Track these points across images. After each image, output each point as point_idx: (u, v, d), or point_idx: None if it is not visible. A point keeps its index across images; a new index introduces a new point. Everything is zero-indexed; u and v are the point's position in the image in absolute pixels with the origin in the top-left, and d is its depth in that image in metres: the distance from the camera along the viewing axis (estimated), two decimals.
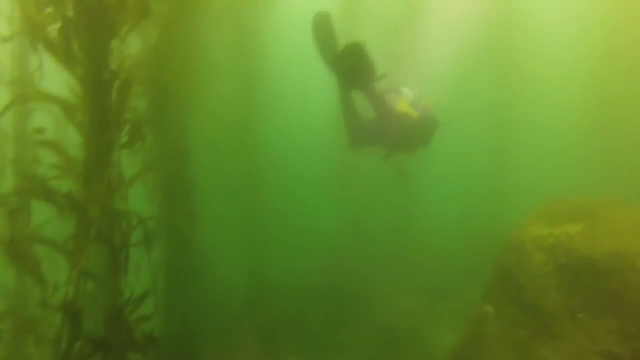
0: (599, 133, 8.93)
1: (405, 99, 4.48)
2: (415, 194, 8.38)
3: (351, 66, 3.89)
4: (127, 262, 2.80)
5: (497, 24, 8.84)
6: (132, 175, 4.78)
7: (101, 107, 2.33)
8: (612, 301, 2.27)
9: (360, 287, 7.95)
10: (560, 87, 10.08)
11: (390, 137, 4.46)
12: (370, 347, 6.53)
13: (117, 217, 2.71)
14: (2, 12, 3.72)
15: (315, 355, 6.53)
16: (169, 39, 5.03)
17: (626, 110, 8.71)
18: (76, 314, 2.37)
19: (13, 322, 3.74)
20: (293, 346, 6.69)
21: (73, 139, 2.94)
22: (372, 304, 7.49)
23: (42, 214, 3.01)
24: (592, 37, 9.48)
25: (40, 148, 2.83)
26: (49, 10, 2.42)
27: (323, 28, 4.02)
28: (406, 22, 8.66)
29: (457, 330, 6.14)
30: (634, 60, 8.82)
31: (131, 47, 5.06)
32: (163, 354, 3.73)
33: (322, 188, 9.47)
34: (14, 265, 2.68)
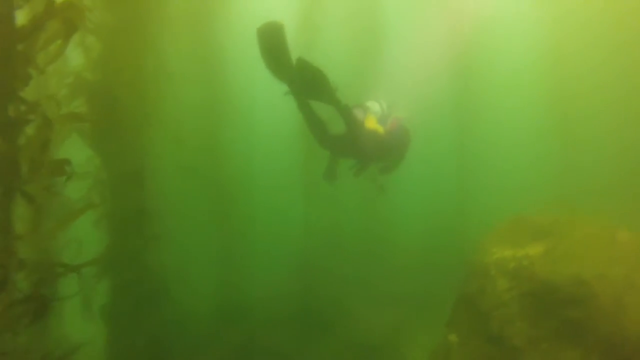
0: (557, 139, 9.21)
1: (372, 116, 4.32)
2: (386, 201, 8.29)
3: (304, 79, 3.74)
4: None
5: (457, 34, 8.95)
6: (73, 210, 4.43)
7: (11, 151, 1.97)
8: (576, 330, 2.20)
9: (331, 302, 7.77)
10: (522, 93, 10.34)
11: (360, 151, 4.33)
12: None
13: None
14: None
15: None
16: (118, 51, 4.67)
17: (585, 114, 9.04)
18: None
19: None
20: None
21: None
22: (345, 318, 7.32)
23: None
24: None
25: None
26: None
27: (274, 39, 3.67)
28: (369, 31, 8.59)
29: (429, 347, 6.15)
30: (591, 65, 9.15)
31: (69, 64, 4.74)
32: None
33: (290, 198, 9.23)
34: None
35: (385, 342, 6.37)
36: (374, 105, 4.52)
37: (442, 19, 8.88)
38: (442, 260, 8.24)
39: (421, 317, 7.08)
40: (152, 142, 5.12)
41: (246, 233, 8.64)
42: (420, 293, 7.66)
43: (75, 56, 4.67)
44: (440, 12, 8.94)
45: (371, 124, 4.25)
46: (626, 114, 8.65)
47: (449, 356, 2.69)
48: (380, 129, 4.26)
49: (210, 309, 7.62)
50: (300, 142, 8.25)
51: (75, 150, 4.59)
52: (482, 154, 9.23)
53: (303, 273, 8.28)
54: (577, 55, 9.54)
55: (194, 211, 7.74)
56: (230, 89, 8.48)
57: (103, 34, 4.56)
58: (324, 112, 4.30)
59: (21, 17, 2.50)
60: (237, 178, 8.37)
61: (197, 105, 7.91)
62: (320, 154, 8.51)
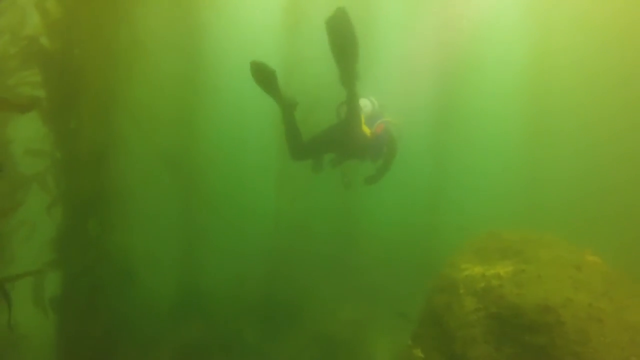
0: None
1: (361, 115, 4.25)
2: (357, 197, 8.26)
3: (340, 36, 3.55)
4: None
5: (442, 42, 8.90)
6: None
7: None
8: (539, 357, 2.18)
9: (299, 294, 7.70)
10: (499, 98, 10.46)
11: (343, 146, 4.35)
12: (307, 358, 6.34)
13: None
14: None
15: None
16: (83, 16, 4.25)
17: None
18: None
19: None
20: (222, 358, 6.31)
21: None
22: (311, 313, 7.28)
23: None
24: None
25: None
26: None
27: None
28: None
29: (396, 341, 6.22)
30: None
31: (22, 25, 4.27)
32: None
33: (259, 191, 9.04)
34: None
35: (351, 337, 6.39)
36: (365, 103, 4.48)
37: (434, 22, 8.82)
38: (411, 253, 8.37)
39: (388, 312, 7.17)
40: (117, 123, 4.78)
41: (212, 220, 8.42)
42: (389, 285, 7.76)
43: (30, 17, 4.25)
44: (433, 15, 8.87)
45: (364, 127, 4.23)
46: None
47: None
48: (367, 130, 4.25)
49: (173, 297, 7.41)
50: (272, 130, 8.07)
51: (30, 124, 4.22)
52: (458, 153, 9.33)
53: (270, 262, 8.18)
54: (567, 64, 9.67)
55: (160, 196, 7.44)
56: (206, 72, 8.13)
57: None
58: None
59: None
60: (206, 164, 8.10)
61: (171, 85, 7.54)
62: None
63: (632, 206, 7.40)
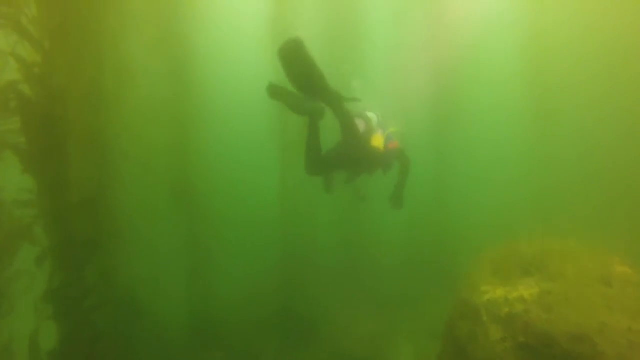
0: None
1: (380, 136, 4.34)
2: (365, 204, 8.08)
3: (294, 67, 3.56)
4: None
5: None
6: None
7: None
8: None
9: (313, 308, 7.52)
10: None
11: (353, 163, 4.39)
12: None
13: None
14: None
15: None
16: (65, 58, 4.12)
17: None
18: None
19: None
20: None
21: None
22: (326, 328, 7.10)
23: None
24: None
25: None
26: None
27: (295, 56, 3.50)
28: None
29: (415, 353, 6.03)
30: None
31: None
32: None
33: (264, 205, 8.89)
34: None
35: (370, 354, 6.20)
36: (373, 117, 4.49)
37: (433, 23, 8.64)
38: (425, 259, 8.16)
39: (407, 322, 6.97)
40: (110, 160, 4.63)
41: (219, 241, 8.28)
42: (405, 293, 7.56)
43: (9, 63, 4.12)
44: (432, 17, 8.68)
45: (377, 142, 4.30)
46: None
47: None
48: (382, 147, 4.34)
49: (186, 326, 7.26)
50: (276, 139, 7.92)
51: (14, 173, 4.09)
52: (465, 153, 9.13)
53: (281, 277, 8.03)
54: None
55: (162, 224, 7.31)
56: (200, 84, 7.98)
57: (45, 36, 3.99)
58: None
59: None
60: (210, 177, 7.96)
61: (165, 109, 7.40)
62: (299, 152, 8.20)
63: None
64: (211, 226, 8.17)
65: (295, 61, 3.45)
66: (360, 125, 4.26)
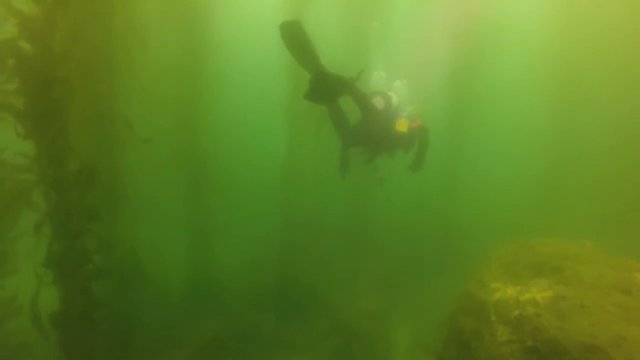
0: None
1: (405, 120, 4.39)
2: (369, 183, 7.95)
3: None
4: None
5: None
6: None
7: None
8: None
9: (316, 282, 7.56)
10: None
11: (374, 142, 4.49)
12: (325, 348, 6.27)
13: None
14: None
15: (267, 358, 6.20)
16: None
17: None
18: None
19: None
20: (241, 351, 6.29)
21: None
22: (328, 300, 7.15)
23: None
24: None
25: None
26: None
27: (296, 37, 3.64)
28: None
29: (414, 335, 6.10)
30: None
31: None
32: None
33: (270, 177, 8.76)
34: None
35: (370, 329, 6.27)
36: (393, 97, 4.51)
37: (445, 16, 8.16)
38: (425, 238, 8.12)
39: (404, 300, 7.01)
40: (112, 128, 4.48)
41: (222, 207, 8.24)
42: (405, 272, 7.57)
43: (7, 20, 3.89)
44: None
45: (402, 127, 4.36)
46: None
47: None
48: (405, 126, 4.37)
49: (186, 291, 7.35)
50: (281, 125, 7.74)
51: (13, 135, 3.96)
52: (474, 139, 8.87)
53: (281, 253, 8.03)
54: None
55: (165, 190, 7.25)
56: (212, 64, 7.67)
57: None
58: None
59: None
60: (213, 153, 7.82)
61: (173, 78, 7.14)
62: (303, 139, 8.00)
63: None
64: (215, 190, 8.12)
65: (293, 39, 3.60)
66: (380, 103, 4.28)
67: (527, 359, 2.20)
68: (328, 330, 6.48)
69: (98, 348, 3.97)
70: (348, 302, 6.85)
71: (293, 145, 7.96)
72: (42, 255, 4.21)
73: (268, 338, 6.58)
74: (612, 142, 8.32)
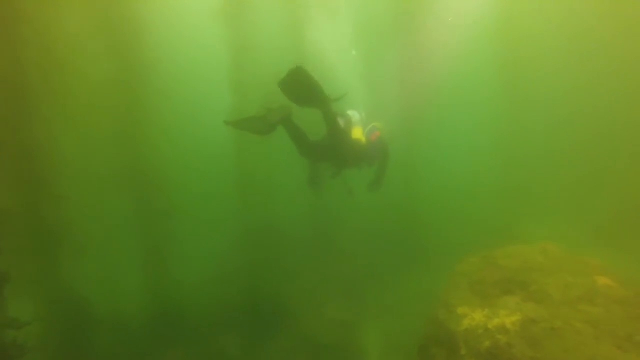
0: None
1: (359, 127, 4.55)
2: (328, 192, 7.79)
3: (296, 91, 3.83)
4: None
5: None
6: None
7: None
8: None
9: (280, 293, 7.26)
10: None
11: (339, 156, 4.60)
12: None
13: None
14: None
15: None
16: None
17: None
18: None
19: None
20: None
21: None
22: (295, 312, 6.89)
23: None
24: None
25: None
26: None
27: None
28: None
29: (385, 343, 5.99)
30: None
31: None
32: None
33: (222, 192, 8.30)
34: None
35: (339, 339, 6.09)
36: (354, 114, 4.65)
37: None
38: (391, 240, 8.04)
39: (373, 303, 6.90)
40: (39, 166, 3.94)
41: (176, 228, 7.71)
42: (373, 277, 7.45)
43: None
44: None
45: (357, 134, 4.49)
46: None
47: None
48: (363, 139, 4.52)
49: (143, 320, 6.83)
50: (231, 135, 7.32)
51: None
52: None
53: (243, 265, 7.66)
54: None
55: (112, 218, 6.67)
56: (144, 71, 7.04)
57: None
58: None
59: None
60: (161, 172, 7.24)
61: (105, 97, 6.49)
62: (254, 148, 7.63)
63: None
64: (166, 207, 7.58)
65: (297, 88, 3.73)
66: (340, 122, 4.42)
67: None
68: (296, 345, 6.24)
69: None
70: (315, 312, 6.63)
71: (244, 154, 7.55)
72: None
73: (236, 357, 6.26)
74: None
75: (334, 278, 7.26)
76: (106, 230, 6.88)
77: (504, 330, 2.24)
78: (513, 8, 8.59)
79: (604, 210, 6.73)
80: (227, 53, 7.41)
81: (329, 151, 4.44)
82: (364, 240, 7.83)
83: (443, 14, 8.49)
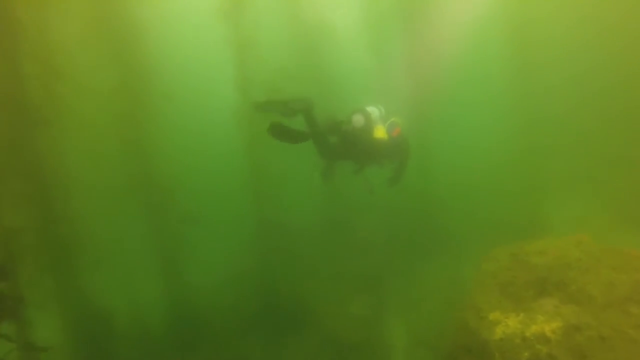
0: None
1: (382, 127, 4.59)
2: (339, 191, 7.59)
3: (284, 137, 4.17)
4: None
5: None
6: None
7: None
8: None
9: (300, 291, 7.14)
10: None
11: (360, 155, 4.68)
12: None
13: None
14: None
15: None
16: None
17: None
18: None
19: None
20: None
21: None
22: (317, 311, 6.76)
23: None
24: None
25: None
26: None
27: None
28: None
29: (411, 330, 5.83)
30: None
31: None
32: None
33: (236, 190, 8.17)
34: None
35: (362, 337, 5.95)
36: (374, 111, 4.65)
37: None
38: (410, 233, 7.80)
39: (395, 295, 6.71)
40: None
41: (191, 233, 7.66)
42: (392, 272, 7.25)
43: None
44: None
45: (380, 133, 4.52)
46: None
47: None
48: (386, 137, 4.55)
49: (164, 328, 6.83)
50: (242, 133, 7.21)
51: None
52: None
53: (259, 265, 7.57)
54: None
55: (125, 228, 6.65)
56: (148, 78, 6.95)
57: None
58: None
59: None
60: (172, 176, 7.17)
61: (109, 106, 6.43)
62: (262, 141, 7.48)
63: None
64: (179, 211, 7.54)
65: (283, 135, 4.11)
66: (360, 120, 4.46)
67: None
68: (320, 345, 6.13)
69: None
70: (337, 309, 6.48)
71: (255, 150, 7.39)
72: None
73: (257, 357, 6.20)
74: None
75: (354, 273, 7.10)
76: (121, 240, 6.86)
77: (544, 340, 2.01)
78: None
79: (629, 192, 6.38)
80: (231, 51, 7.26)
81: (351, 150, 4.52)
82: (384, 232, 7.62)
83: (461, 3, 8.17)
